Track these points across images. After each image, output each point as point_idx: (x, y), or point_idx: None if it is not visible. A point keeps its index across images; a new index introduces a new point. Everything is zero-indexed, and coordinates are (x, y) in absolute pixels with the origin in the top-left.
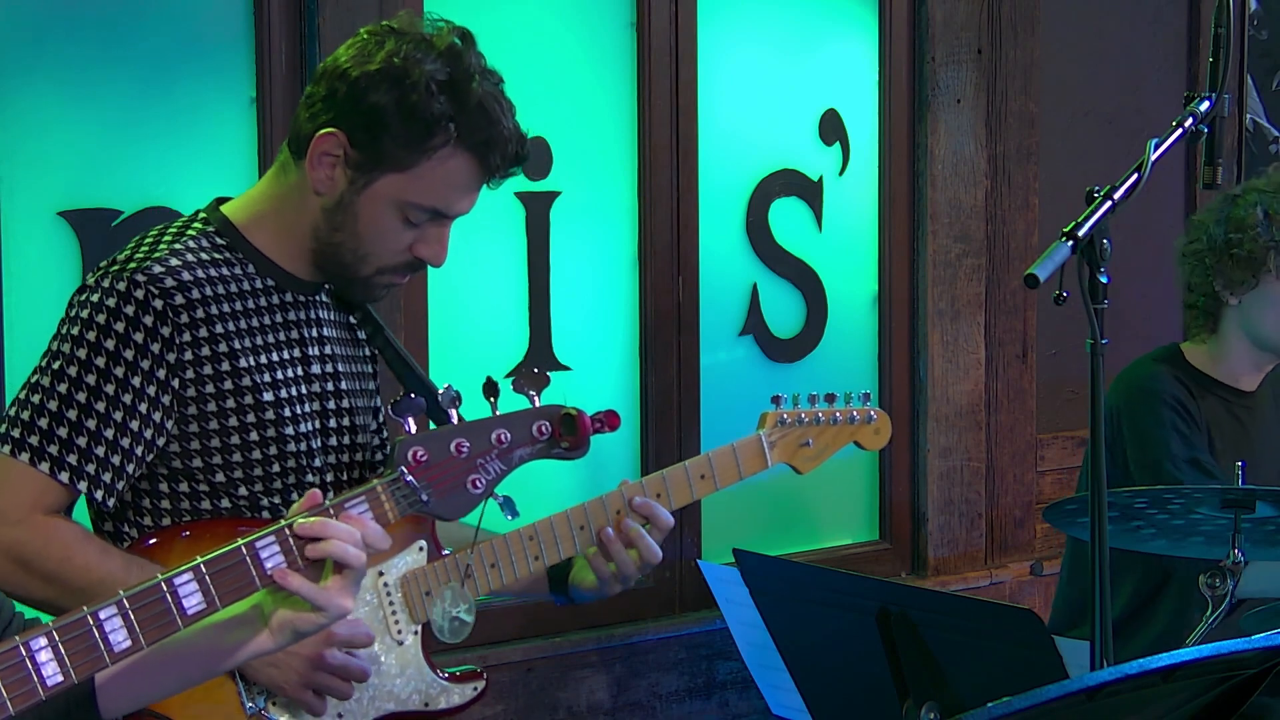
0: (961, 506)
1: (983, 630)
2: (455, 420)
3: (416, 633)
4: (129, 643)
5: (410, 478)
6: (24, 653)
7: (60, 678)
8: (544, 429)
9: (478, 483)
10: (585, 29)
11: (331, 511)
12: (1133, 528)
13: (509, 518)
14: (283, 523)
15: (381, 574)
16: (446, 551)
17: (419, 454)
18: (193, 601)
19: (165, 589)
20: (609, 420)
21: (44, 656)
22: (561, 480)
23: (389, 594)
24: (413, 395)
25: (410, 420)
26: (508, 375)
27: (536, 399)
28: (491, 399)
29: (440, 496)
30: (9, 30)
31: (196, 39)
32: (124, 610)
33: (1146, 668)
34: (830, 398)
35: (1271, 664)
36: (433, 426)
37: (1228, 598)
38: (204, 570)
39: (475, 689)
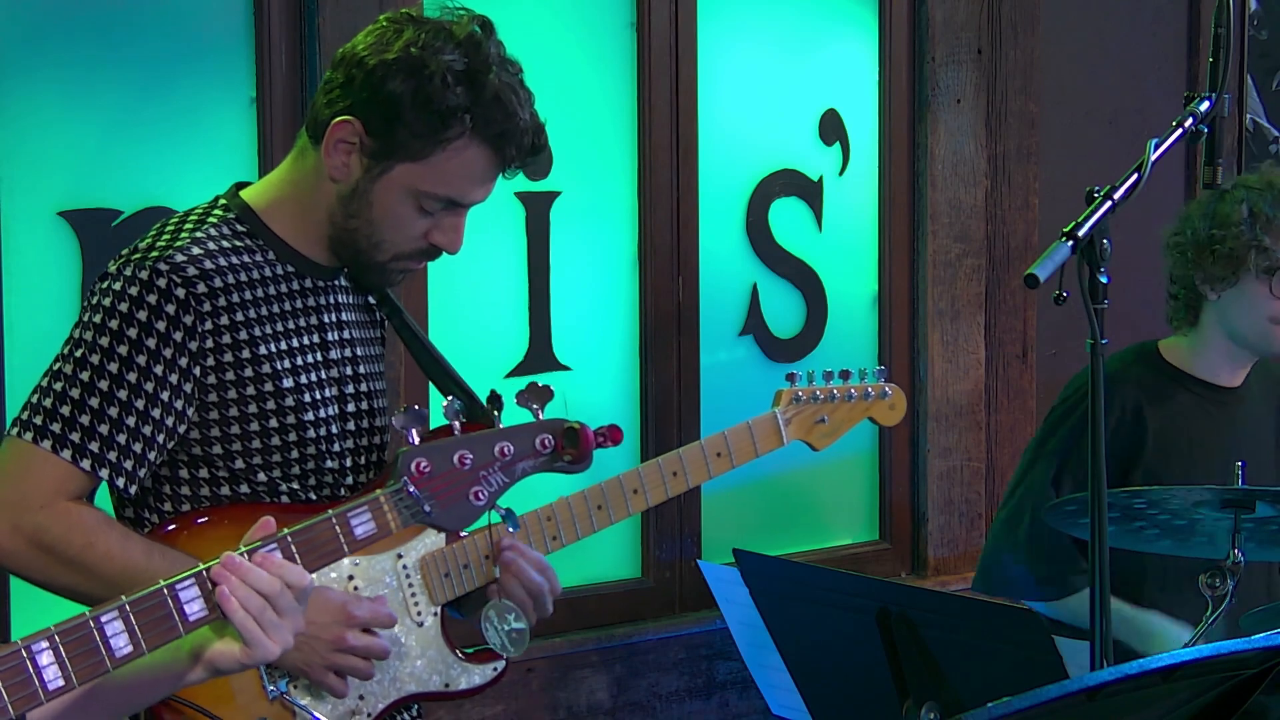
0: (961, 506)
1: (983, 630)
2: (458, 432)
3: (436, 614)
4: (130, 647)
5: (413, 489)
6: (25, 655)
7: (61, 681)
8: (547, 442)
9: (480, 495)
10: (585, 29)
11: (290, 542)
12: (1135, 528)
13: (510, 531)
14: (285, 531)
15: (400, 556)
16: (465, 534)
17: (422, 465)
18: (194, 608)
19: (167, 594)
20: (612, 435)
21: (45, 659)
22: (560, 477)
23: (408, 576)
24: (416, 407)
25: (413, 431)
26: (508, 375)
27: (540, 412)
28: (495, 411)
29: (443, 508)
30: (9, 30)
31: (196, 39)
32: (125, 614)
33: (1146, 668)
34: (845, 374)
35: (1271, 664)
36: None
37: (1228, 598)
38: (206, 576)
39: (495, 669)
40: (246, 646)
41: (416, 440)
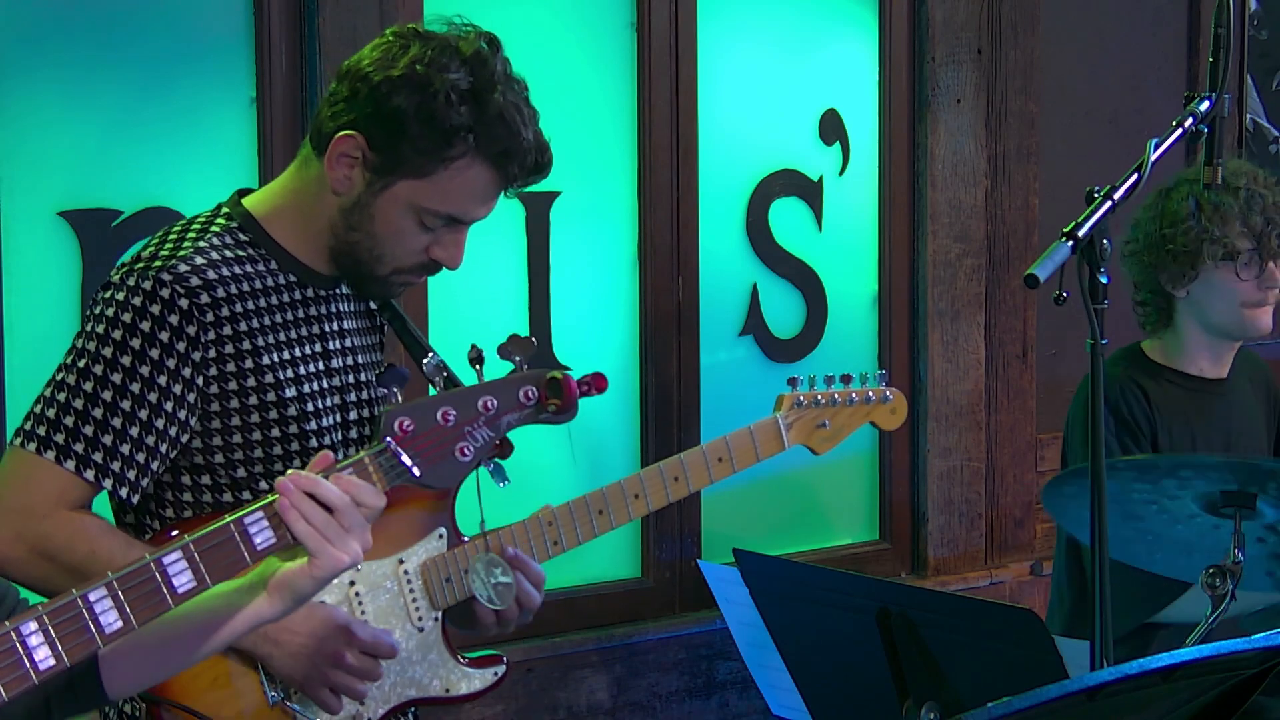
0: (961, 506)
1: (983, 630)
2: (440, 389)
3: (437, 619)
4: (120, 623)
5: (397, 448)
6: (15, 637)
7: (52, 661)
8: (530, 394)
9: (466, 450)
10: (585, 29)
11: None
12: (1131, 529)
13: (500, 485)
14: (271, 498)
15: (402, 561)
16: (466, 538)
17: (405, 424)
18: (183, 580)
19: (155, 569)
20: (595, 383)
21: (35, 641)
22: (562, 477)
23: (409, 581)
24: (396, 366)
25: (395, 391)
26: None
27: (522, 364)
28: (477, 367)
29: (429, 466)
30: (9, 30)
31: (196, 39)
32: (114, 591)
33: (1146, 668)
34: (846, 378)
35: (1271, 664)
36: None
37: (1227, 598)
38: (193, 549)
39: (496, 673)
40: (314, 557)
41: (399, 400)
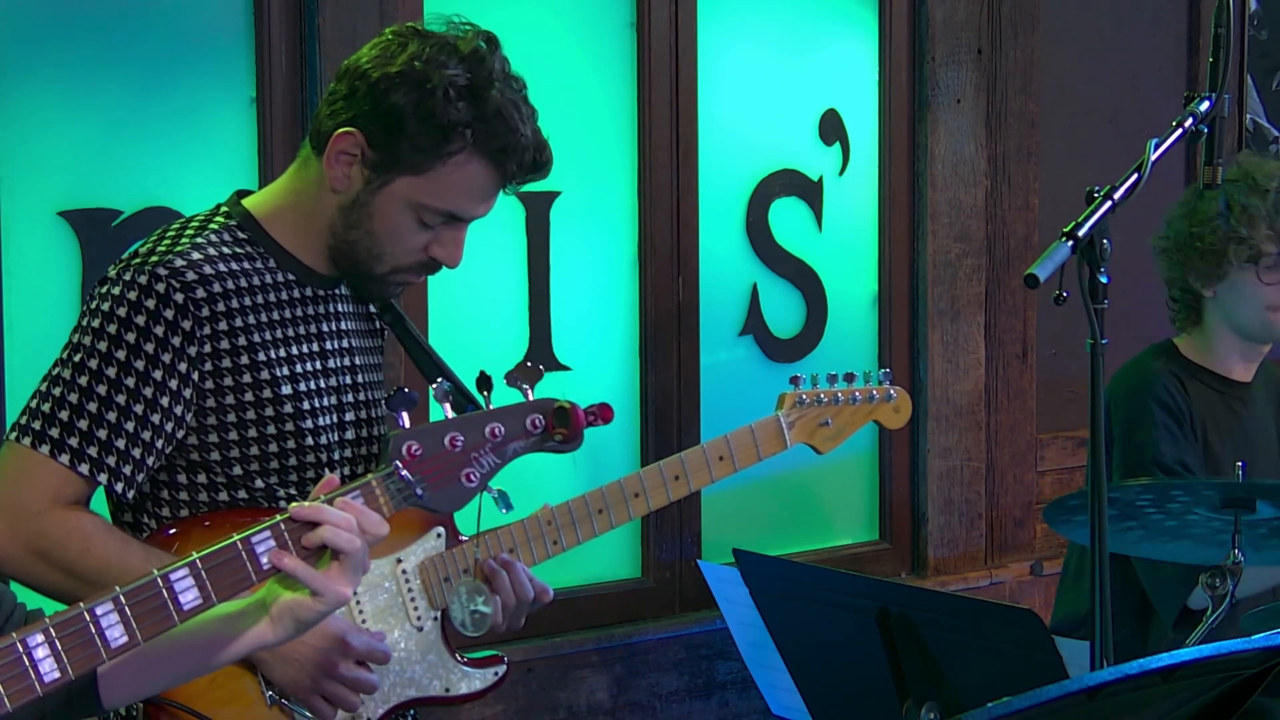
0: (961, 506)
1: (983, 630)
2: (448, 415)
3: (435, 619)
4: (126, 638)
5: (404, 472)
6: (21, 650)
7: (57, 674)
8: (538, 422)
9: (472, 476)
10: (585, 29)
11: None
12: (1124, 528)
13: (503, 511)
14: (278, 517)
15: (400, 561)
16: (464, 537)
17: (413, 448)
18: (189, 597)
19: (161, 585)
20: (602, 413)
21: (41, 653)
22: (562, 478)
23: (407, 581)
24: (406, 389)
25: (404, 414)
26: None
27: (530, 392)
28: (484, 393)
29: (435, 490)
30: (9, 30)
31: (196, 39)
32: (120, 606)
33: (1146, 668)
34: (849, 377)
35: (1271, 664)
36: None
37: (1228, 598)
38: (200, 566)
39: (496, 673)
40: (317, 594)
41: (407, 423)
